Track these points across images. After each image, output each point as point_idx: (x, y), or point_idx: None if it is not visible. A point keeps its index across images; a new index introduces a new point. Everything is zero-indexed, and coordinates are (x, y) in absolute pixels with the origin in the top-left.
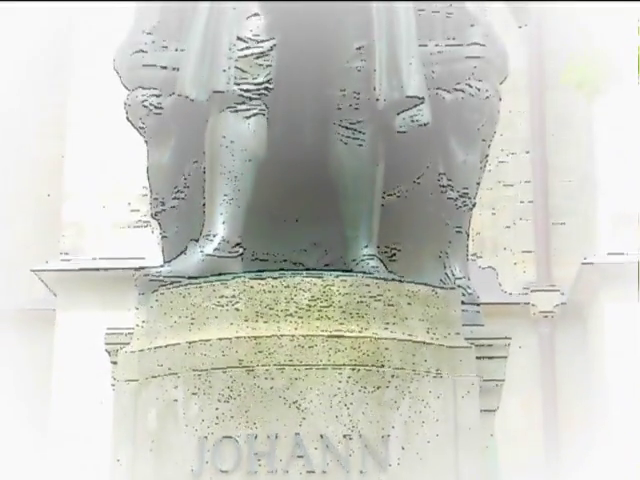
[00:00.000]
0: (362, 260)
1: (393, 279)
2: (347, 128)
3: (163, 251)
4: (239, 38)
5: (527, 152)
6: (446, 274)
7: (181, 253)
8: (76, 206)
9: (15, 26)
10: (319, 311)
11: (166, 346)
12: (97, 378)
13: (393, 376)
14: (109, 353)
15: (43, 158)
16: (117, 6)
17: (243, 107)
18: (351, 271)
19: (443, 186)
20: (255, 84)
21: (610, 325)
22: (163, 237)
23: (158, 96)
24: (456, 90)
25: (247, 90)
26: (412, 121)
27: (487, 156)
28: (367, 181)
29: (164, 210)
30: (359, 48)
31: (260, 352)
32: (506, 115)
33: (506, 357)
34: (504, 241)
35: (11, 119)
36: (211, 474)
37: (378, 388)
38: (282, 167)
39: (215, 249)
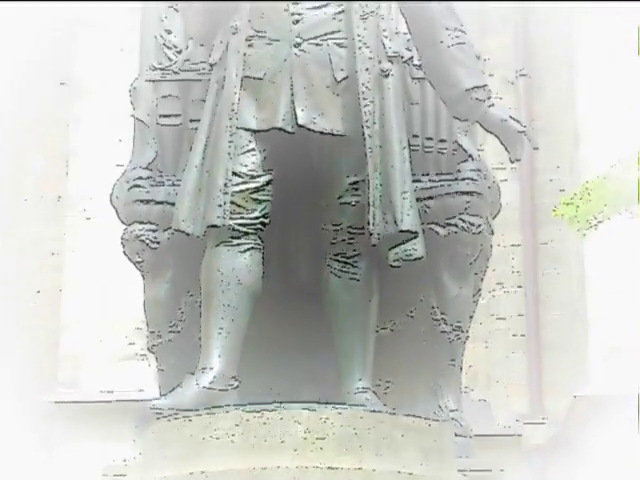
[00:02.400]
0: (356, 393)
1: (387, 412)
2: (341, 262)
3: (160, 384)
4: (234, 173)
5: (519, 286)
6: (439, 406)
7: (177, 386)
8: (73, 339)
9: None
10: (314, 443)
11: (163, 478)
12: None
13: None
14: None
15: (42, 290)
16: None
17: (239, 242)
18: (345, 404)
19: (436, 319)
20: (251, 219)
21: (602, 458)
22: (160, 370)
23: (155, 231)
24: (449, 225)
25: (243, 225)
26: (406, 255)
27: (480, 290)
28: (361, 315)
29: (160, 343)
30: (353, 183)
31: None
32: (499, 249)
33: None
34: (497, 374)
35: (8, 255)
36: None
37: None
38: (277, 300)
39: (211, 382)
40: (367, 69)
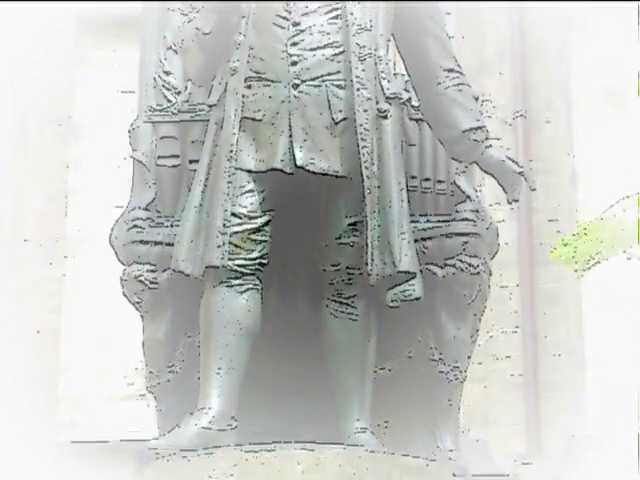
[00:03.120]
0: (355, 433)
1: (385, 452)
2: (340, 302)
3: (159, 424)
4: (233, 214)
5: (517, 327)
6: (437, 446)
7: (176, 426)
8: (72, 379)
9: None
10: None
11: None
12: None
13: None
14: None
15: (42, 330)
16: None
17: (237, 282)
18: (344, 444)
19: (434, 360)
20: (249, 260)
21: None
22: (159, 410)
23: (154, 271)
24: (447, 265)
25: (241, 265)
26: (404, 296)
27: (478, 330)
28: (359, 355)
29: (159, 384)
30: (352, 224)
31: None
32: (496, 290)
33: None
34: (495, 414)
35: (8, 295)
36: None
37: None
38: (276, 340)
39: (210, 422)
40: (365, 110)
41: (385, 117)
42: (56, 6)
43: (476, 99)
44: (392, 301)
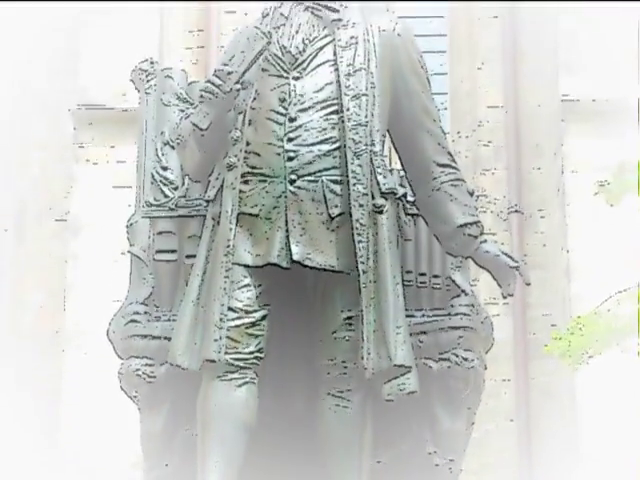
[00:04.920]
0: None
1: None
2: (335, 396)
3: None
4: (230, 308)
5: (511, 420)
6: None
7: None
8: (71, 473)
9: None
10: None
11: None
12: None
13: None
14: None
15: (40, 425)
16: None
17: (234, 376)
18: None
19: (429, 453)
20: (246, 354)
21: None
22: None
23: (151, 365)
24: (442, 359)
25: (238, 359)
26: (399, 389)
27: (473, 423)
28: (355, 449)
29: (157, 477)
30: (347, 318)
31: None
32: (491, 384)
33: None
34: None
35: (7, 389)
36: None
37: None
38: (272, 433)
39: None
40: (361, 205)
41: (381, 212)
42: (55, 98)
43: (471, 194)
44: (388, 394)
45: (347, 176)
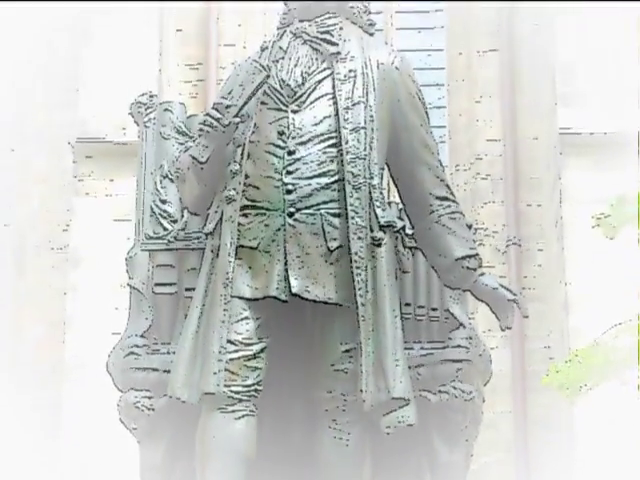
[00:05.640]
0: None
1: None
2: (334, 429)
3: None
4: (229, 341)
5: (509, 452)
6: None
7: None
8: None
9: None
10: None
11: None
12: None
13: None
14: None
15: (40, 459)
16: None
17: (233, 408)
18: None
19: None
20: (245, 386)
21: None
22: None
23: (150, 397)
24: (441, 392)
25: (237, 392)
26: (398, 422)
27: (471, 455)
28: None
29: None
30: (346, 351)
31: None
32: (489, 416)
33: None
34: None
35: (7, 421)
36: None
37: None
38: (271, 465)
39: None
40: (360, 238)
41: (379, 245)
42: (54, 131)
43: (469, 227)
44: (387, 427)
45: (346, 209)
